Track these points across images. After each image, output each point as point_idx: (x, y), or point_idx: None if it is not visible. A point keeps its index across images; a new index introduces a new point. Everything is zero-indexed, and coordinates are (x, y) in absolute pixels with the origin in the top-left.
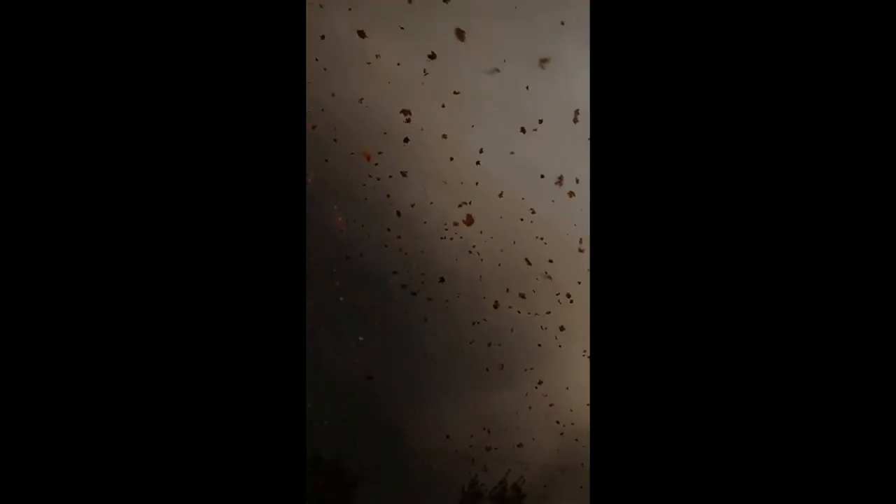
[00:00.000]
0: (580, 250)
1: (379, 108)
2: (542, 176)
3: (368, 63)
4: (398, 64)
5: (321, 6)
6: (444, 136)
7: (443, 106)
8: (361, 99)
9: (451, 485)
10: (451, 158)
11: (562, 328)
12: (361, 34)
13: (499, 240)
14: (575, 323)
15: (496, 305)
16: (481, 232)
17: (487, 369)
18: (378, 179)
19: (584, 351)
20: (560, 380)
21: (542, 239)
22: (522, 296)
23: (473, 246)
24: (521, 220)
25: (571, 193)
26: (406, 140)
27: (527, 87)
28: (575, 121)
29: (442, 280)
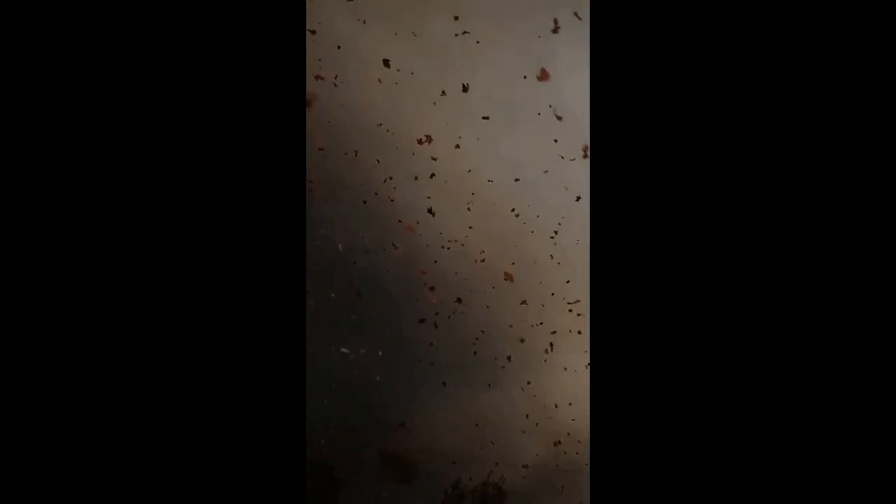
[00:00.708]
0: (566, 254)
1: (391, 125)
2: (518, 177)
3: (389, 81)
4: (411, 73)
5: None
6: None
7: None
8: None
9: (436, 484)
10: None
11: (554, 332)
12: (386, 63)
13: (489, 240)
14: (562, 326)
15: (487, 307)
16: (471, 227)
17: (476, 370)
18: (383, 182)
19: (570, 352)
20: (544, 382)
21: (532, 232)
22: (519, 301)
23: (457, 244)
24: (517, 215)
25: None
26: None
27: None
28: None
29: (433, 289)
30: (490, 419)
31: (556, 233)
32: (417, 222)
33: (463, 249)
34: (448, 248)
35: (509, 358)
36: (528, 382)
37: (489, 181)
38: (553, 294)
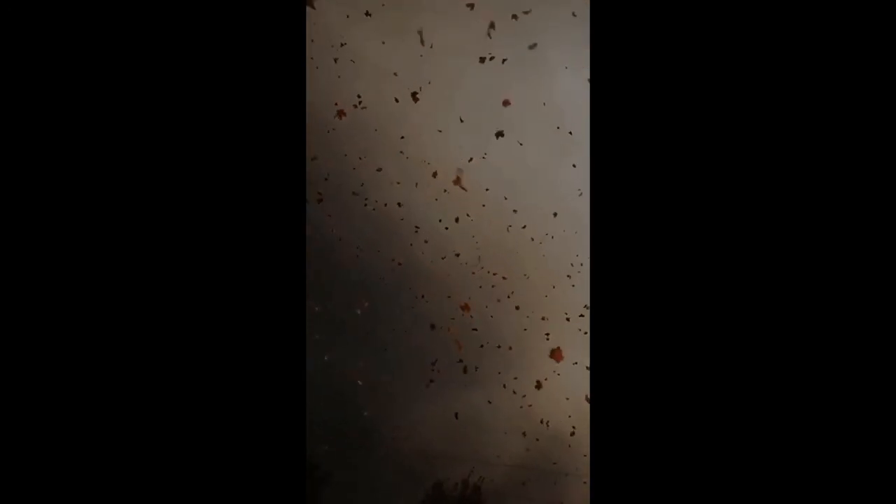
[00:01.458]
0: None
1: (383, 122)
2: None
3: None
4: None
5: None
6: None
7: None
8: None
9: (417, 483)
10: (435, 172)
11: (548, 335)
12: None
13: (480, 243)
14: (549, 329)
15: (466, 308)
16: (460, 220)
17: (462, 371)
18: (366, 185)
19: (553, 352)
20: (526, 383)
21: (521, 225)
22: (498, 301)
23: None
24: (508, 228)
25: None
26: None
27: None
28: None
29: (423, 296)
30: (471, 420)
31: (542, 240)
32: (416, 228)
33: (455, 256)
34: (444, 259)
35: (486, 359)
36: (510, 383)
37: (486, 189)
38: (544, 297)
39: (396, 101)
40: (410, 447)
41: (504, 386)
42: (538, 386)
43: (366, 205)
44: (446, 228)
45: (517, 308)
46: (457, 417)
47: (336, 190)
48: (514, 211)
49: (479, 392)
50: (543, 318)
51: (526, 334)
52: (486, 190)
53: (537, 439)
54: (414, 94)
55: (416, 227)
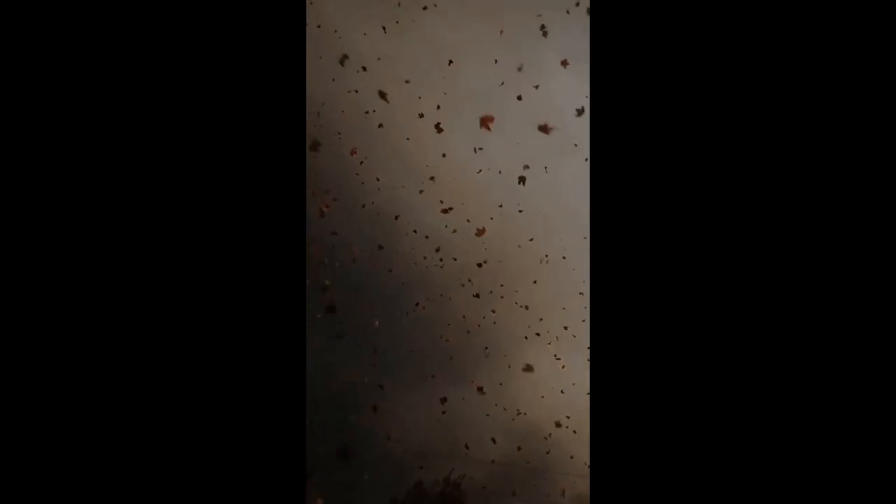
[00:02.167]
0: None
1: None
2: (501, 172)
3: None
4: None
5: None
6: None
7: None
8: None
9: (400, 481)
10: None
11: (538, 334)
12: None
13: (479, 248)
14: (537, 330)
15: (453, 311)
16: (455, 229)
17: (445, 370)
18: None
19: (540, 355)
20: (510, 383)
21: (522, 230)
22: (477, 296)
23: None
24: (491, 218)
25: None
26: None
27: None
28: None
29: (411, 293)
30: (455, 418)
31: (531, 240)
32: (414, 230)
33: (453, 260)
34: (426, 258)
35: (470, 359)
36: (481, 388)
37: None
38: (528, 301)
39: (398, 103)
40: (404, 448)
41: (501, 384)
42: (532, 388)
43: (364, 206)
44: (453, 232)
45: (513, 312)
46: (440, 417)
47: (338, 192)
48: (520, 211)
49: (475, 394)
50: (541, 320)
51: (521, 339)
52: (487, 190)
53: (519, 441)
54: (418, 97)
55: (415, 230)
